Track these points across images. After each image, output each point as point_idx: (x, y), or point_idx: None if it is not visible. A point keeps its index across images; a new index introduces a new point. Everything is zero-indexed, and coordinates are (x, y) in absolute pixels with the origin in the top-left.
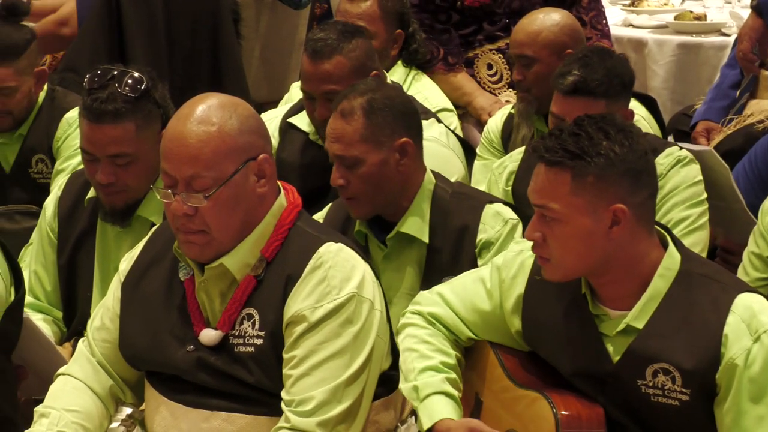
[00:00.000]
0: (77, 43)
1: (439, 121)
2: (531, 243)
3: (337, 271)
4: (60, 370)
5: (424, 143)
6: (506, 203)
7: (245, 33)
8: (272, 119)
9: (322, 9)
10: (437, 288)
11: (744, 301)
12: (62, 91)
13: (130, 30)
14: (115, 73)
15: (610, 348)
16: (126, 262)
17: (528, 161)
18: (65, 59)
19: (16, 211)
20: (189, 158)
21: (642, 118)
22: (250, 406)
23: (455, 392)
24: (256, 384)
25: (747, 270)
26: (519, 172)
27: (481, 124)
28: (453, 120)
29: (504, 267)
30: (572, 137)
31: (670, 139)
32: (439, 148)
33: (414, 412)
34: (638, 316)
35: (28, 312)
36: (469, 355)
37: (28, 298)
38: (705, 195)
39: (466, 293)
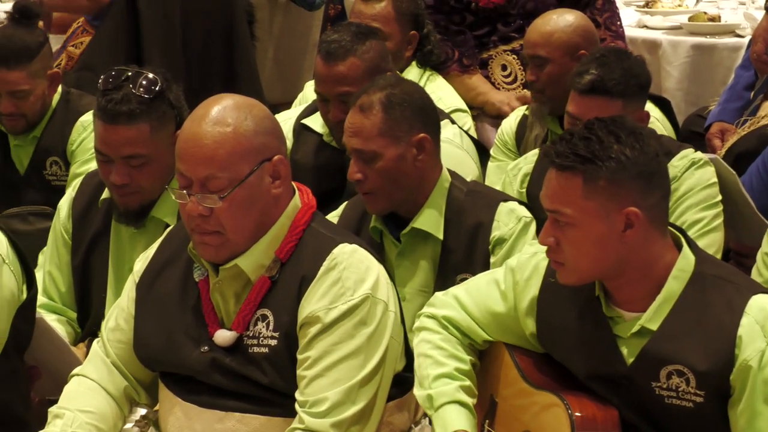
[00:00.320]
0: (95, 42)
1: (453, 122)
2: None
3: (352, 272)
4: (74, 371)
5: None
6: (521, 202)
7: (259, 34)
8: (286, 120)
9: (336, 10)
10: (452, 290)
11: (758, 303)
12: (77, 93)
13: (146, 31)
14: (130, 74)
15: (624, 350)
16: (140, 263)
17: (542, 163)
18: (82, 58)
19: (30, 213)
20: (204, 159)
21: (656, 119)
22: (264, 407)
23: (469, 400)
24: (270, 385)
25: (761, 271)
26: (533, 174)
27: (496, 124)
28: (467, 121)
29: (518, 269)
30: (583, 141)
31: None
32: (452, 148)
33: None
34: (652, 318)
35: (42, 313)
36: (484, 356)
37: (43, 299)
38: (719, 197)
39: (481, 295)
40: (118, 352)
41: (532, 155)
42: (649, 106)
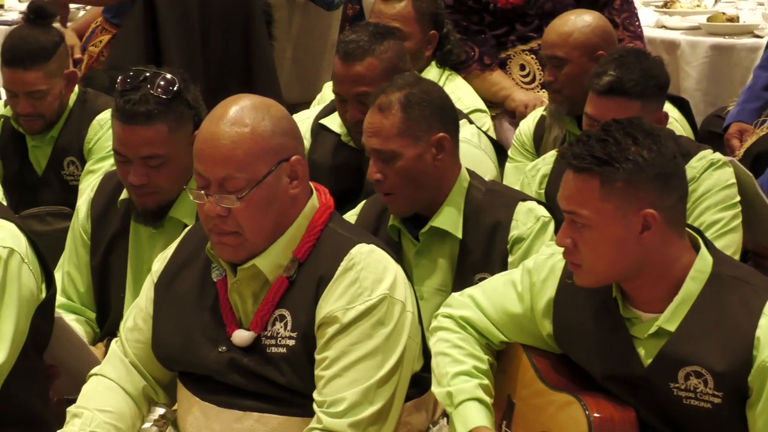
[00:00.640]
0: (119, 42)
1: (471, 121)
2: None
3: (369, 272)
4: (93, 371)
5: None
6: (540, 202)
7: (277, 34)
8: (304, 120)
9: (354, 10)
10: (468, 291)
11: None
12: (93, 93)
13: (165, 31)
14: (148, 74)
15: (641, 351)
16: (159, 263)
17: (561, 164)
18: (109, 58)
19: (48, 213)
20: (222, 159)
21: (674, 120)
22: (282, 407)
23: (488, 399)
24: (287, 385)
25: None
26: (552, 175)
27: (515, 123)
28: (486, 121)
29: (535, 270)
30: (600, 143)
31: None
32: (470, 148)
33: (445, 414)
34: (670, 319)
35: (61, 312)
36: (501, 357)
37: (61, 299)
38: (738, 198)
39: (497, 296)
40: (137, 351)
41: (551, 156)
42: (668, 107)
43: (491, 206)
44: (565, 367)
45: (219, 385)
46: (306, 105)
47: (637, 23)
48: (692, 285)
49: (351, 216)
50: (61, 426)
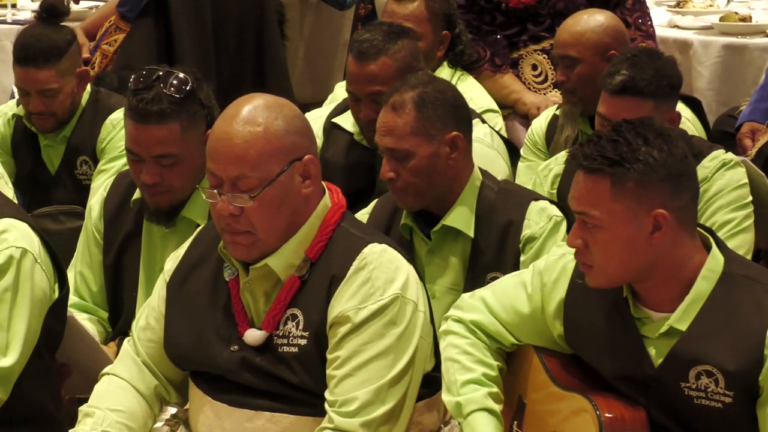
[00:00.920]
0: (130, 42)
1: (484, 121)
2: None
3: (381, 272)
4: (105, 370)
5: None
6: (552, 201)
7: (290, 34)
8: (316, 119)
9: (367, 10)
10: (478, 292)
11: None
12: (106, 92)
13: (178, 30)
14: (161, 73)
15: (652, 351)
16: (171, 262)
17: (573, 164)
18: (119, 58)
19: (61, 212)
20: (235, 158)
21: (687, 119)
22: (294, 406)
23: (497, 408)
24: (299, 384)
25: None
26: (564, 175)
27: (527, 124)
28: (498, 121)
29: (546, 271)
30: (611, 143)
31: None
32: (483, 148)
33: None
34: (681, 318)
35: (73, 312)
36: (512, 357)
37: (74, 299)
38: (750, 198)
39: (508, 298)
40: (149, 351)
41: (563, 156)
42: (680, 107)
43: (504, 205)
44: (576, 367)
45: (231, 384)
46: (318, 105)
47: (649, 23)
48: (703, 284)
49: (363, 215)
50: (73, 425)
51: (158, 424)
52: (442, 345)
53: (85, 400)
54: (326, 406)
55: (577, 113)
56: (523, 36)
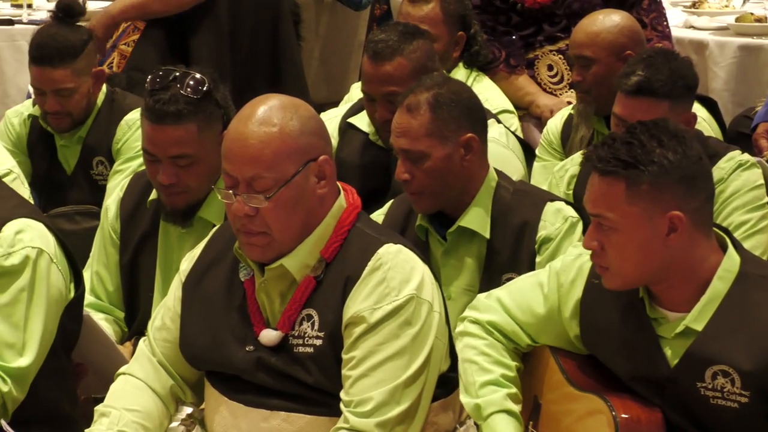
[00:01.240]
0: (143, 43)
1: (499, 121)
2: None
3: (397, 272)
4: (121, 370)
5: None
6: (568, 202)
7: (305, 34)
8: (332, 119)
9: (382, 10)
10: (494, 293)
11: None
12: (121, 92)
13: (194, 31)
14: (177, 74)
15: (668, 351)
16: (187, 263)
17: (588, 165)
18: (131, 59)
19: (77, 212)
20: (250, 159)
21: (703, 120)
22: (310, 407)
23: (516, 408)
24: (315, 384)
25: None
26: (580, 176)
27: (541, 125)
28: (514, 122)
29: (562, 271)
30: (625, 146)
31: None
32: (498, 148)
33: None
34: (697, 318)
35: (89, 311)
36: (528, 358)
37: (90, 298)
38: (766, 199)
39: (524, 299)
40: (165, 351)
41: (579, 156)
42: (696, 107)
43: (519, 206)
44: (591, 368)
45: (246, 384)
46: (333, 105)
47: (665, 23)
48: (719, 284)
49: (378, 215)
50: (88, 425)
51: (174, 424)
52: (459, 346)
53: (101, 400)
54: (341, 406)
55: (591, 113)
56: (538, 36)
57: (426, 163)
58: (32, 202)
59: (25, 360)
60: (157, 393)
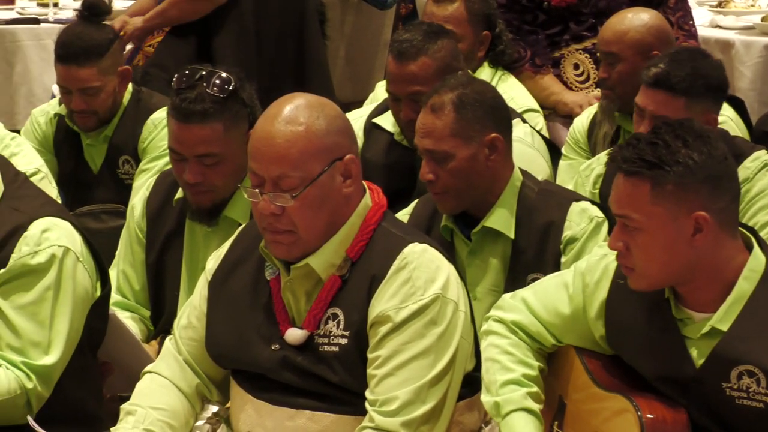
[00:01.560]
0: (167, 41)
1: (524, 121)
2: None
3: (422, 272)
4: (146, 368)
5: None
6: (593, 202)
7: (331, 33)
8: (357, 119)
9: (408, 9)
10: (519, 293)
11: None
12: (147, 91)
13: (219, 30)
14: (204, 73)
15: (693, 352)
16: (213, 261)
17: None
18: (153, 56)
19: (103, 211)
20: (276, 158)
21: (729, 119)
22: (335, 405)
23: (537, 407)
24: (340, 383)
25: None
26: (606, 175)
27: (567, 124)
28: (539, 120)
29: (588, 272)
30: (649, 146)
31: None
32: (524, 148)
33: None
34: (723, 318)
35: (115, 310)
36: (553, 358)
37: (116, 297)
38: None
39: (549, 299)
40: (191, 349)
41: (605, 156)
42: (723, 106)
43: (544, 206)
44: (616, 368)
45: (272, 383)
46: (359, 104)
47: (691, 22)
48: (745, 284)
49: (404, 215)
50: (114, 423)
51: (200, 423)
52: (482, 345)
53: (127, 399)
54: (367, 405)
55: (614, 110)
56: (565, 35)
57: (450, 163)
58: (59, 201)
59: (50, 358)
60: (182, 391)
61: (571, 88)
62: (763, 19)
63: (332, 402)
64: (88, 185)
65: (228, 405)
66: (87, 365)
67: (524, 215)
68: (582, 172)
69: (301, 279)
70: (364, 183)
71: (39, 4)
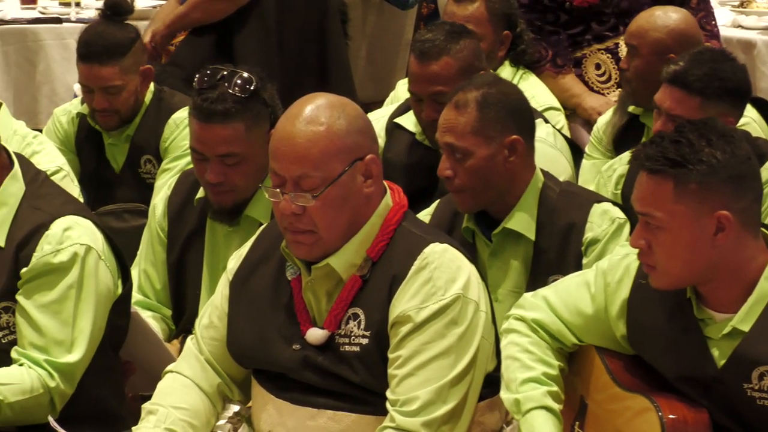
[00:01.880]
0: (188, 40)
1: (546, 121)
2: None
3: (443, 272)
4: (168, 368)
5: None
6: (615, 203)
7: (352, 33)
8: (379, 119)
9: (429, 9)
10: (541, 291)
11: None
12: (169, 91)
13: (241, 29)
14: (225, 73)
15: (715, 352)
16: (234, 261)
17: (636, 164)
18: (173, 55)
19: (125, 210)
20: (297, 158)
21: (753, 120)
22: (356, 405)
23: (556, 406)
24: (361, 383)
25: None
26: (628, 175)
27: (589, 125)
28: (560, 119)
29: (609, 271)
30: (673, 144)
31: None
32: (546, 148)
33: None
34: (744, 319)
35: (137, 309)
36: (574, 358)
37: (138, 296)
38: None
39: (571, 298)
40: (212, 349)
41: (627, 156)
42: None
43: (566, 208)
44: (637, 368)
45: (293, 382)
46: (380, 104)
47: (713, 22)
48: (766, 285)
49: (425, 215)
50: (136, 422)
51: (221, 422)
52: (503, 343)
53: (149, 398)
54: (387, 405)
55: (629, 102)
56: (586, 35)
57: (469, 161)
58: (81, 199)
59: (73, 356)
60: (204, 391)
61: (592, 89)
62: None
63: (353, 402)
64: (110, 184)
65: (249, 404)
66: (109, 364)
67: (545, 217)
68: (604, 172)
69: (322, 279)
70: (385, 183)
71: (61, 4)
